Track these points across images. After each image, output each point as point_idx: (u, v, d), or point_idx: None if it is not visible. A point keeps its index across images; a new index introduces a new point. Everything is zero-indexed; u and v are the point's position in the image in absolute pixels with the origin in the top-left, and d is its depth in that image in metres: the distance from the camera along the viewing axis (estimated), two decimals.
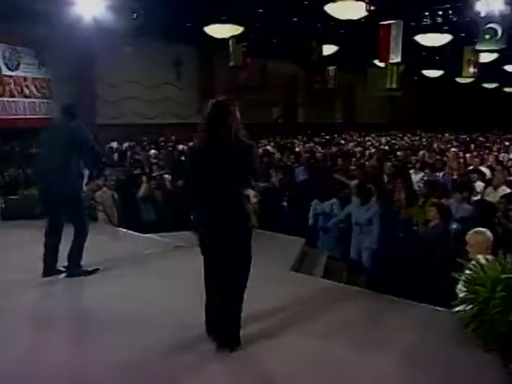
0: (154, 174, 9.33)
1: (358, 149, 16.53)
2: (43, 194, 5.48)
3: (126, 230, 6.98)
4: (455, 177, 9.57)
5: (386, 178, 9.54)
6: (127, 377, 3.44)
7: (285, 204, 8.55)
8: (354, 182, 8.17)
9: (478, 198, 7.83)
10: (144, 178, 8.69)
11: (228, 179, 3.71)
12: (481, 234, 4.54)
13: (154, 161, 12.29)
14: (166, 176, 9.56)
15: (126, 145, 17.30)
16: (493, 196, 7.83)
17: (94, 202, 7.54)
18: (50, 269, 5.27)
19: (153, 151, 14.84)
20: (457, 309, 3.91)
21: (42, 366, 3.58)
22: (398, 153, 14.27)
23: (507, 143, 18.75)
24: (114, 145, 17.32)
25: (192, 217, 3.91)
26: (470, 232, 4.66)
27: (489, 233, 4.57)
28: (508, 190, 7.95)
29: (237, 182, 3.78)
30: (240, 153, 3.72)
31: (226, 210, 3.70)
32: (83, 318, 4.42)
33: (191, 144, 4.15)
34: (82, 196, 5.55)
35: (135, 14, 13.76)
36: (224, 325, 3.77)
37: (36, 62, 17.38)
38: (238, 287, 3.76)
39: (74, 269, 5.31)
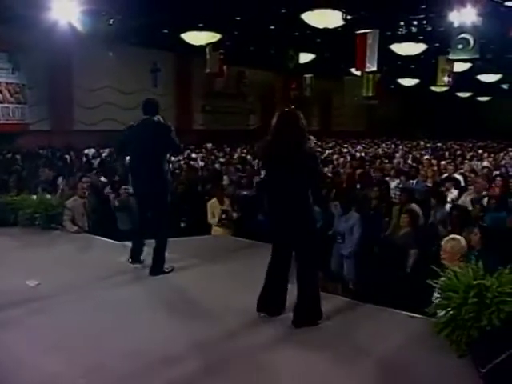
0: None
1: (335, 156, 16.66)
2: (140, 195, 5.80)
3: (97, 237, 6.90)
4: (429, 184, 9.72)
5: (358, 185, 9.66)
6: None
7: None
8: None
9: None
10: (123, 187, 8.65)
11: (291, 185, 4.12)
12: (456, 241, 4.62)
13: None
14: None
15: (106, 151, 17.01)
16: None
17: (65, 209, 7.44)
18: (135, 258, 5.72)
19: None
20: (431, 315, 3.97)
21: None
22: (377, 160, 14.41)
23: (480, 151, 19.09)
24: (90, 152, 17.11)
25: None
26: (446, 239, 4.74)
27: (463, 240, 4.65)
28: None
29: (299, 187, 4.15)
30: (302, 161, 4.09)
31: (289, 212, 4.17)
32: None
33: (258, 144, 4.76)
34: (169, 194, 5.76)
35: (112, 20, 13.70)
36: (304, 303, 4.20)
37: (10, 66, 17.15)
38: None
39: (159, 268, 5.55)
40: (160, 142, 5.54)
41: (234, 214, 7.88)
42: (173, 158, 14.17)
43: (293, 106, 4.42)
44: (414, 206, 7.56)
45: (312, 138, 4.35)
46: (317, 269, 4.36)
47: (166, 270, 5.58)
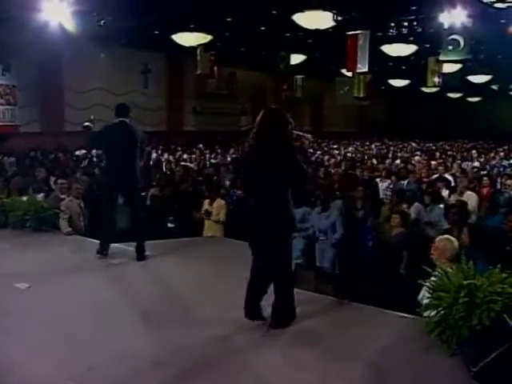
0: None
1: (326, 157, 16.69)
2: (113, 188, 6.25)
3: (88, 239, 6.86)
4: (422, 184, 9.79)
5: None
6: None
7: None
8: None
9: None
10: None
11: (269, 183, 4.04)
12: (449, 241, 4.68)
13: None
14: None
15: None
16: None
17: (58, 211, 7.39)
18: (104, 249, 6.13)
19: None
20: (422, 315, 3.99)
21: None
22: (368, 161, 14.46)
23: (474, 151, 19.18)
24: (81, 153, 17.02)
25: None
26: (440, 237, 4.81)
27: (456, 242, 4.69)
28: (474, 195, 8.15)
29: (277, 186, 4.05)
30: (283, 160, 3.98)
31: (266, 213, 4.08)
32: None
33: (245, 147, 4.49)
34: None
35: (102, 21, 13.66)
36: (278, 306, 4.16)
37: (0, 68, 17.06)
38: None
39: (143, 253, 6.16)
40: (134, 142, 6.15)
41: (221, 217, 7.86)
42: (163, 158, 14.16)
43: (273, 107, 4.34)
44: (418, 204, 7.64)
45: (309, 136, 4.20)
46: (290, 269, 4.29)
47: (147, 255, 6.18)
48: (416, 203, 7.81)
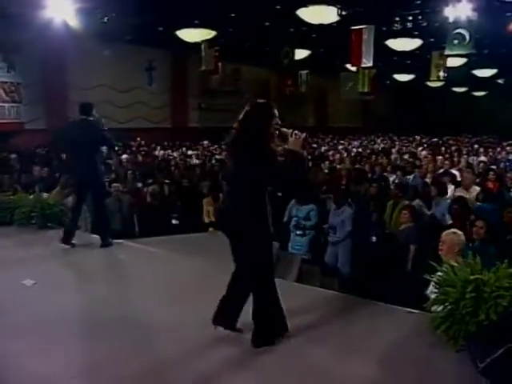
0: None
1: (331, 152, 16.66)
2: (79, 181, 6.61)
3: (94, 236, 6.87)
4: (428, 179, 9.74)
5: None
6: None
7: None
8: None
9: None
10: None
11: (243, 180, 3.76)
12: (456, 235, 4.69)
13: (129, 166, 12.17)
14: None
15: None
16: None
17: (64, 208, 7.41)
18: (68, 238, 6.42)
19: (125, 156, 14.70)
20: (429, 310, 3.97)
21: None
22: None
23: (476, 146, 19.11)
24: None
25: None
26: (446, 232, 4.82)
27: (463, 236, 4.69)
28: (478, 189, 8.11)
29: (248, 182, 3.75)
30: (256, 155, 3.69)
31: (236, 209, 3.78)
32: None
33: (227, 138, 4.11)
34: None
35: (106, 18, 13.66)
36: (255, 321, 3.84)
37: (4, 65, 17.07)
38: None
39: (106, 238, 6.50)
40: (95, 140, 6.46)
41: None
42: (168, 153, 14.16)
43: (260, 101, 4.08)
44: (418, 201, 7.61)
45: (285, 130, 3.87)
46: (266, 277, 3.82)
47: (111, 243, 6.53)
48: (417, 200, 7.76)
